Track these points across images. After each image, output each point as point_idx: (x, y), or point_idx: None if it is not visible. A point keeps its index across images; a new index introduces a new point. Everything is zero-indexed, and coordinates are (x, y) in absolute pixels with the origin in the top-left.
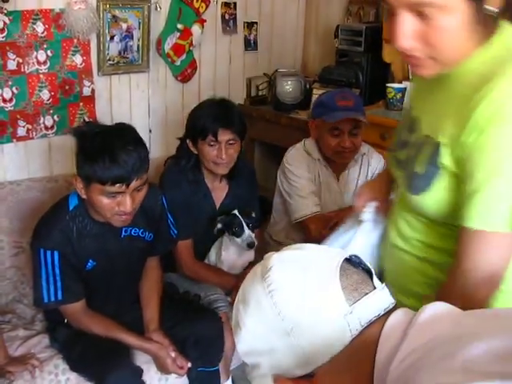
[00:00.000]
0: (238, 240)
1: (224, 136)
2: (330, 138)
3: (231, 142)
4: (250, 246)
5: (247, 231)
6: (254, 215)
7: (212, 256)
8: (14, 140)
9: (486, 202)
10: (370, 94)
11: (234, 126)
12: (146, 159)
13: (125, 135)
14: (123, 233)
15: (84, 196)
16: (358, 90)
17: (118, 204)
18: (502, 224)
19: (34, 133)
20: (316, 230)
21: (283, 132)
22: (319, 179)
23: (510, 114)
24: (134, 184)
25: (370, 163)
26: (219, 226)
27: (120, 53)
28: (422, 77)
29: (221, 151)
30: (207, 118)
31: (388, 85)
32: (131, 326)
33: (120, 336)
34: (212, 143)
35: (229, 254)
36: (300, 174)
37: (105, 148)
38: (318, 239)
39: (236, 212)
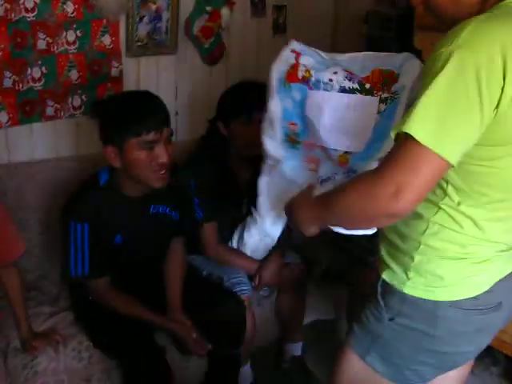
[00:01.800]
0: None
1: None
2: None
3: None
4: None
5: None
6: None
7: (234, 240)
8: (43, 119)
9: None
10: None
11: None
12: (168, 113)
13: (147, 94)
14: (152, 209)
15: (118, 165)
16: None
17: (155, 157)
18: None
19: (62, 112)
20: None
21: None
22: None
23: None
24: (165, 132)
25: None
26: (246, 200)
27: (149, 34)
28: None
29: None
30: (247, 97)
31: None
32: (153, 306)
33: (143, 315)
34: (249, 123)
35: (251, 236)
36: None
37: (132, 104)
38: None
39: None
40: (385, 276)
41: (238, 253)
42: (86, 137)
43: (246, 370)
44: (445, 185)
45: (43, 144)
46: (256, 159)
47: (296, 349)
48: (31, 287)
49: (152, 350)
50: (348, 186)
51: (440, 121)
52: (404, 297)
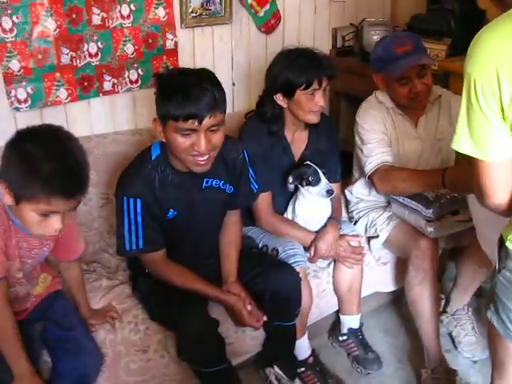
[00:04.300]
0: (316, 189)
1: (324, 82)
2: (399, 88)
3: (325, 88)
4: (329, 193)
5: (324, 179)
6: (324, 169)
7: (289, 211)
8: (101, 94)
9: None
10: (463, 43)
11: (328, 71)
12: (222, 99)
13: (201, 75)
14: (204, 183)
15: (163, 138)
16: (450, 39)
17: (192, 144)
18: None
19: (120, 87)
20: (379, 181)
21: (370, 85)
22: (395, 128)
23: None
24: (206, 122)
25: (451, 104)
26: (290, 179)
27: (203, 5)
28: None
29: (321, 98)
30: (309, 66)
31: None
32: (208, 278)
33: (198, 287)
34: (311, 92)
35: (304, 208)
36: (369, 126)
37: (179, 85)
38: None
39: (308, 162)
40: (501, 232)
41: (293, 224)
42: (143, 110)
43: (304, 342)
44: None
45: (101, 119)
46: (311, 129)
47: (354, 321)
48: (92, 259)
49: (206, 322)
50: None
51: (469, 133)
52: (508, 251)
